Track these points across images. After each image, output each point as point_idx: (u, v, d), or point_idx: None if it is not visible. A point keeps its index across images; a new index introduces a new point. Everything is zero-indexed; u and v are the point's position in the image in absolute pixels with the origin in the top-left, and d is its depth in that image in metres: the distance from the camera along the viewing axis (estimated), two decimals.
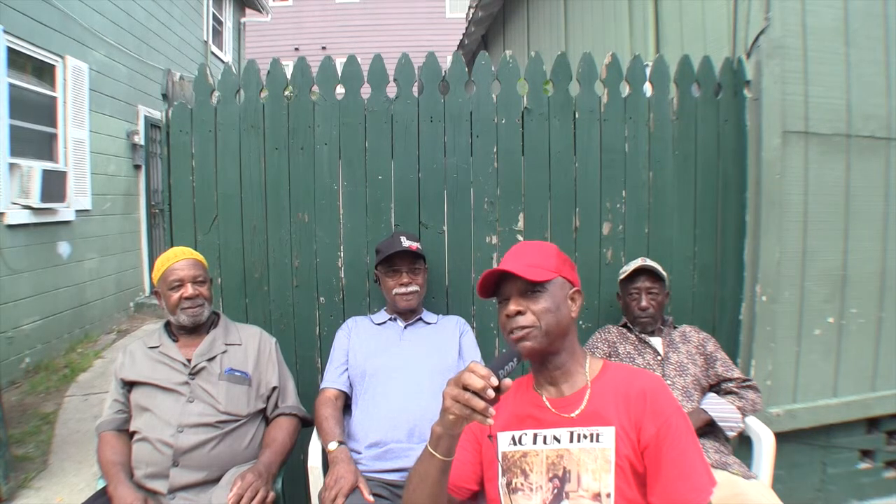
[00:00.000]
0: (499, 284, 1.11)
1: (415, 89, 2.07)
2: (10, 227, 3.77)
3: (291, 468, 1.75)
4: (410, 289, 1.82)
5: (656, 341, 1.92)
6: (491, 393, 0.87)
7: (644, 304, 1.90)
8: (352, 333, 1.86)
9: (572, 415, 1.05)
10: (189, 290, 1.61)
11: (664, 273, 1.94)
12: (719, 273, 2.24)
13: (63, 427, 3.20)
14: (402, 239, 1.83)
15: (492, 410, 0.87)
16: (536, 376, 1.13)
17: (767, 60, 2.12)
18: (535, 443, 1.06)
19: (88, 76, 4.69)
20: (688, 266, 2.21)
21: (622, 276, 1.97)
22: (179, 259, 1.66)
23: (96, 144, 4.86)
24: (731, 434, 1.78)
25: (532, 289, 1.06)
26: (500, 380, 0.89)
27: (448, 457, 0.97)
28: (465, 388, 0.87)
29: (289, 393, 1.73)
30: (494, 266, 2.07)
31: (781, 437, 2.06)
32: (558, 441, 1.04)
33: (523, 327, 1.05)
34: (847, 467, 2.40)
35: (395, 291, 1.82)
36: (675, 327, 2.00)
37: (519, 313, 1.06)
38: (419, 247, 1.85)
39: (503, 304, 1.10)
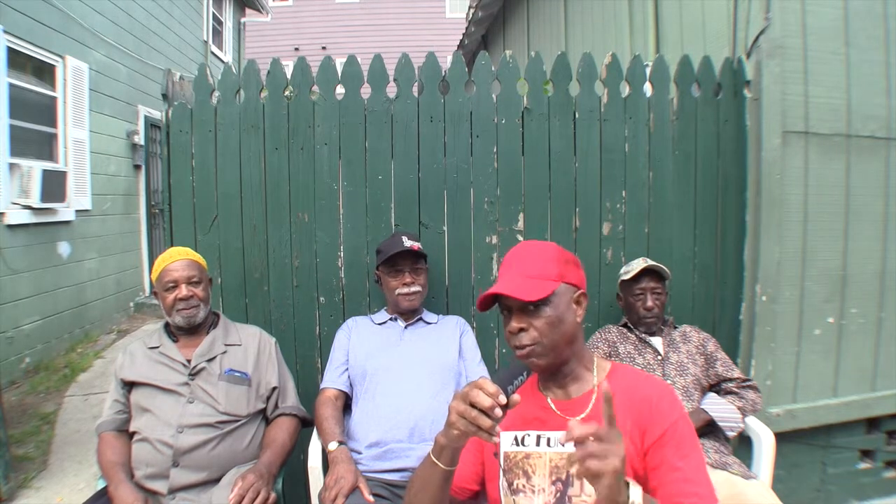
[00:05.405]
0: (497, 295, 1.04)
1: (415, 89, 2.07)
2: (10, 227, 3.77)
3: (291, 468, 1.75)
4: (413, 289, 1.82)
5: (657, 341, 1.92)
6: (499, 412, 0.84)
7: (650, 304, 1.90)
8: (352, 333, 1.86)
9: (578, 418, 1.04)
10: (183, 290, 1.61)
11: (668, 272, 1.94)
12: (719, 273, 2.23)
13: (63, 427, 3.19)
14: (404, 239, 1.83)
15: (498, 429, 0.85)
16: (543, 380, 1.11)
17: (767, 60, 2.12)
18: (538, 444, 1.05)
19: (88, 76, 4.69)
20: (688, 266, 2.21)
21: (625, 277, 1.96)
22: (175, 259, 1.64)
23: (96, 144, 4.85)
24: (731, 434, 1.78)
25: (532, 304, 1.01)
26: (508, 396, 0.86)
27: (451, 466, 0.96)
28: (473, 406, 0.85)
29: (289, 393, 1.73)
30: (494, 266, 2.10)
31: (781, 437, 2.07)
32: (563, 444, 1.03)
33: (526, 345, 1.02)
34: (847, 467, 2.40)
35: (398, 292, 1.82)
36: (675, 327, 2.00)
37: (521, 330, 1.02)
38: (420, 246, 1.85)
39: (506, 316, 1.05)
